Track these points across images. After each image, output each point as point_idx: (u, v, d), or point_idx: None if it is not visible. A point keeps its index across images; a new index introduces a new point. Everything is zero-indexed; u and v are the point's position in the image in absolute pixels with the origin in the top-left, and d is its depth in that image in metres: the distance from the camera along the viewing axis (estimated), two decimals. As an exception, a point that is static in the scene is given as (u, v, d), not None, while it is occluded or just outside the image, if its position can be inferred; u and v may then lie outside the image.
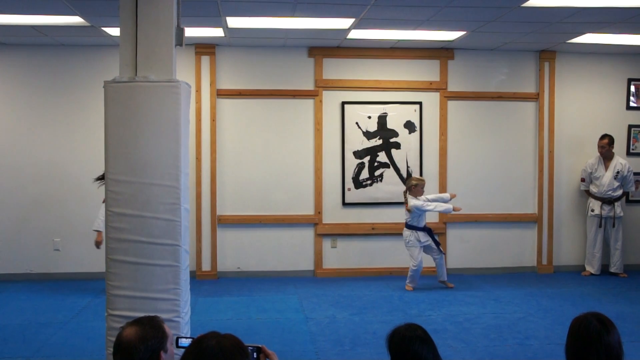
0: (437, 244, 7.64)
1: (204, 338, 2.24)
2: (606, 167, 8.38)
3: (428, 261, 8.44)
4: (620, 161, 8.40)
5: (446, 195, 7.71)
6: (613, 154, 8.43)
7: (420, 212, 7.50)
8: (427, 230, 7.63)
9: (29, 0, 5.99)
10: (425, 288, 7.64)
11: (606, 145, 8.34)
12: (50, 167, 8.06)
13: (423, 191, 7.61)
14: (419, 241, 7.55)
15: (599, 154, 8.41)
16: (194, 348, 2.22)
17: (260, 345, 2.53)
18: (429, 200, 7.58)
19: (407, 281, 7.63)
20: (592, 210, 8.46)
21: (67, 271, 8.08)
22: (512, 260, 8.64)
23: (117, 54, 4.35)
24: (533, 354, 5.35)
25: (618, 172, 8.34)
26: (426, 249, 7.63)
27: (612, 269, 8.45)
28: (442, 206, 7.48)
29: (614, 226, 8.37)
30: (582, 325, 2.63)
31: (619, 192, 8.40)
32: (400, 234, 7.83)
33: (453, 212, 7.51)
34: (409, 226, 7.59)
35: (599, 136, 8.43)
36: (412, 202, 7.47)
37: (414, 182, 7.58)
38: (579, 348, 2.60)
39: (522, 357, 5.27)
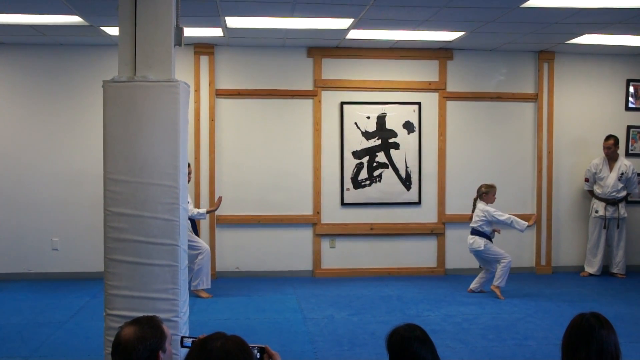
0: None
1: (209, 339, 2.23)
2: (611, 168, 8.38)
3: (427, 261, 8.47)
4: (624, 162, 8.39)
5: (524, 222, 7.18)
6: (618, 155, 8.41)
7: (491, 217, 7.16)
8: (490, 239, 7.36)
9: (28, 0, 5.98)
10: (423, 288, 7.64)
11: (612, 146, 8.33)
12: (49, 166, 8.05)
13: (495, 198, 7.31)
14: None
15: (604, 155, 8.41)
16: (198, 349, 2.22)
17: (264, 346, 2.53)
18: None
19: (501, 282, 7.17)
20: (597, 212, 8.43)
21: (66, 271, 8.07)
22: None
23: (116, 54, 4.35)
24: (531, 354, 5.35)
25: (622, 174, 8.33)
26: (483, 262, 7.42)
27: (614, 270, 8.44)
28: (518, 221, 7.11)
29: (618, 227, 8.38)
30: (577, 320, 2.68)
31: (623, 194, 8.40)
32: (400, 234, 7.86)
33: (524, 230, 7.23)
34: (479, 232, 7.26)
35: (598, 137, 8.45)
36: (484, 207, 7.22)
37: (484, 190, 7.31)
38: (571, 341, 2.64)
39: (520, 358, 5.27)
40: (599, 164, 8.43)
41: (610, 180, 8.34)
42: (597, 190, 8.45)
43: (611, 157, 8.39)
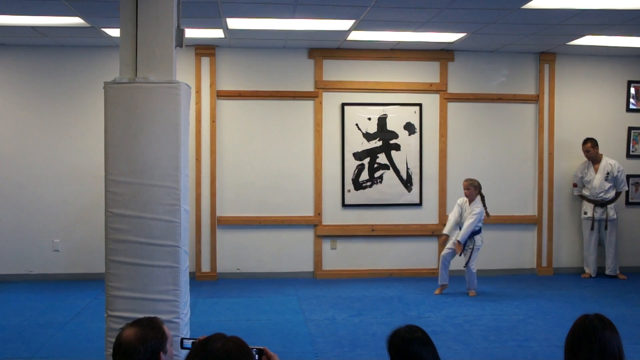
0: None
1: (210, 340, 2.24)
2: (595, 170, 8.39)
3: (428, 263, 8.48)
4: (609, 162, 8.39)
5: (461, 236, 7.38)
6: (601, 155, 8.41)
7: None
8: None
9: (29, 1, 5.99)
10: (424, 290, 7.63)
11: (590, 149, 8.34)
12: (50, 167, 8.05)
13: (469, 195, 7.40)
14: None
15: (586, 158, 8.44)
16: (198, 350, 2.22)
17: (262, 347, 2.54)
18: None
19: (469, 287, 7.46)
20: (585, 213, 8.47)
21: (67, 272, 8.07)
22: (511, 262, 8.64)
23: (117, 55, 4.36)
24: (532, 355, 5.35)
25: (608, 173, 8.34)
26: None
27: (607, 272, 8.44)
28: (464, 233, 7.32)
29: (606, 229, 8.37)
30: (580, 320, 2.68)
31: (612, 194, 8.37)
32: (401, 236, 7.81)
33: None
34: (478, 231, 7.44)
35: (600, 138, 8.42)
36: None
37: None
38: (574, 342, 2.63)
39: (521, 359, 5.27)
40: (584, 167, 8.46)
41: (596, 182, 8.34)
42: (586, 192, 8.48)
43: (594, 159, 8.39)
